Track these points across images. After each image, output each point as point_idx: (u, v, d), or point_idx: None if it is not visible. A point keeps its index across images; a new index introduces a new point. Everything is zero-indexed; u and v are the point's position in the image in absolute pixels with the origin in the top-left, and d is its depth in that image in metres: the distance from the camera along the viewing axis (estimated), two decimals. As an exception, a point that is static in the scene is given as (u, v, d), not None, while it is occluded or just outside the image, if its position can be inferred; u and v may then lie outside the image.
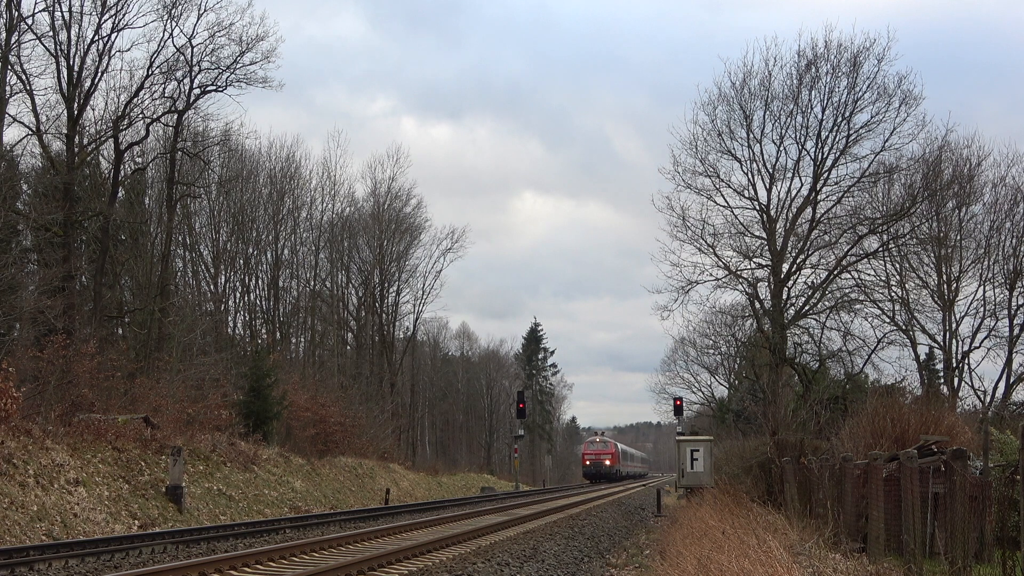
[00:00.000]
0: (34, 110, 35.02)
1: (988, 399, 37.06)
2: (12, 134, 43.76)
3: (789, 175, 36.32)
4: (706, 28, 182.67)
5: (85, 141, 37.50)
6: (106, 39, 35.79)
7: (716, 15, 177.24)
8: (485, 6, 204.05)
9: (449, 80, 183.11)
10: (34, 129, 35.21)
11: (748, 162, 36.24)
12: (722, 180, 36.34)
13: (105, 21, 35.50)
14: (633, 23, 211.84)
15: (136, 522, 22.14)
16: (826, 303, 36.39)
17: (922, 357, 39.65)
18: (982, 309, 37.78)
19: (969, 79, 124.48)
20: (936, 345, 38.96)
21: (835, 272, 35.95)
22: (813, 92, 35.47)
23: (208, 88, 39.07)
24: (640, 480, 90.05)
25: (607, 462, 76.51)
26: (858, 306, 36.49)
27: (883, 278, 37.72)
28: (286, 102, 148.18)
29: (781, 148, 36.13)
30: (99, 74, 36.09)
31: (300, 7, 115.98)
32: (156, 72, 37.54)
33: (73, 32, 35.02)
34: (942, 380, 39.43)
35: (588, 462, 77.58)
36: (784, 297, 36.19)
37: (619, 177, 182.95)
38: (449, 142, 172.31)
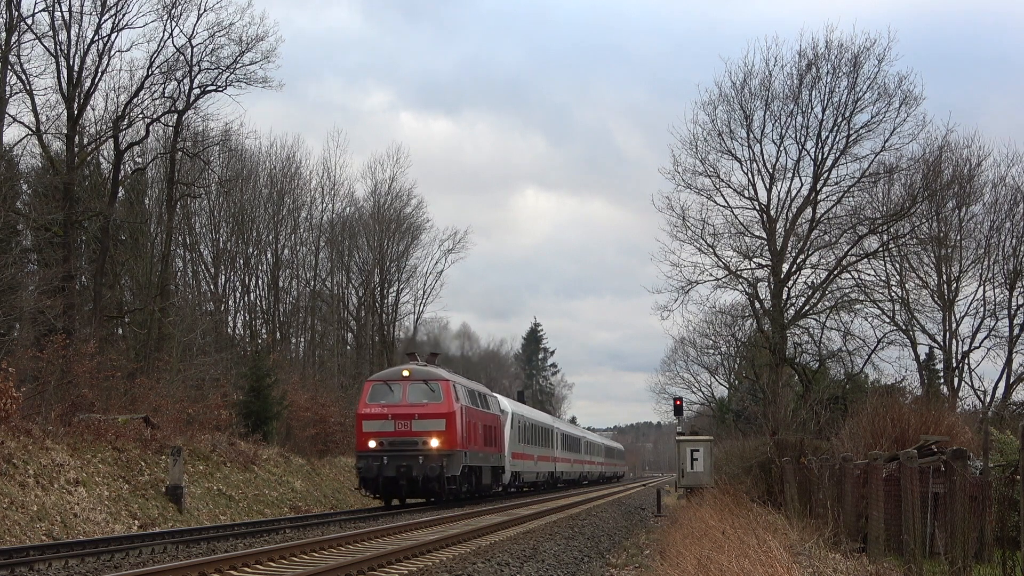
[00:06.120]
0: (34, 110, 35.07)
1: (988, 399, 37.14)
2: (12, 134, 43.79)
3: (789, 175, 36.47)
4: (708, 20, 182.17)
5: (85, 141, 37.51)
6: (106, 39, 35.82)
7: (719, 9, 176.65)
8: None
9: (447, 73, 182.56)
10: (34, 129, 35.24)
11: (748, 162, 36.36)
12: (722, 180, 36.47)
13: (105, 21, 35.52)
14: (634, 15, 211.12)
15: (136, 522, 22.14)
16: (826, 303, 36.49)
17: (922, 357, 39.75)
18: (982, 309, 37.90)
19: (977, 74, 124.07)
20: (936, 345, 39.03)
21: (835, 272, 36.03)
22: (813, 92, 35.63)
23: (208, 88, 39.06)
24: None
25: (433, 443, 28.19)
26: (858, 306, 36.60)
27: (883, 278, 37.83)
28: (282, 97, 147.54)
29: (781, 148, 36.26)
30: (99, 74, 36.11)
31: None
32: (156, 72, 37.54)
33: (73, 32, 35.05)
34: (942, 380, 39.46)
35: (372, 443, 28.51)
36: (784, 297, 36.25)
37: (622, 173, 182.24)
38: (449, 137, 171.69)
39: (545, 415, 55.70)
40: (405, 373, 29.62)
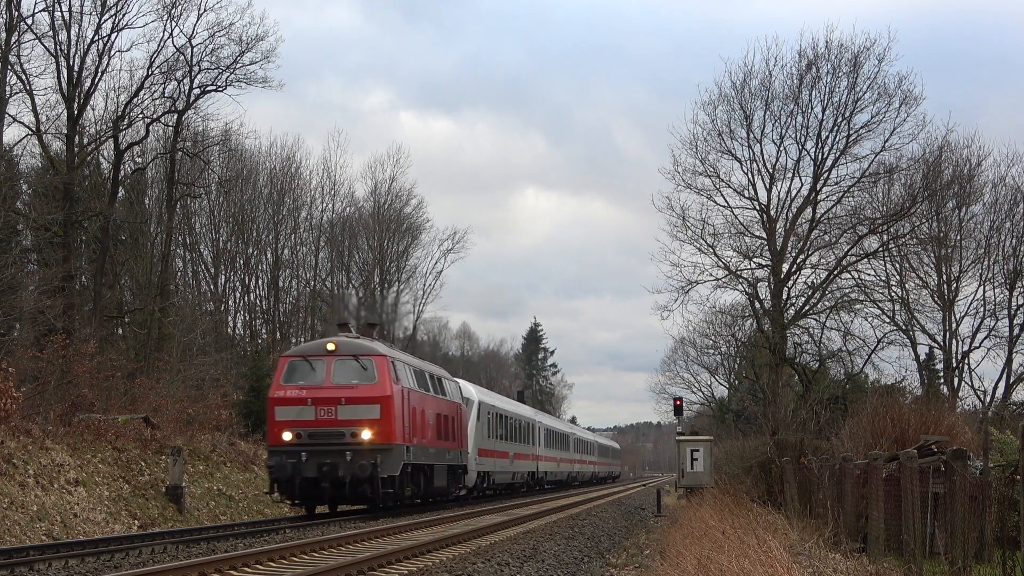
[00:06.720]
0: (34, 110, 35.14)
1: (988, 399, 37.19)
2: (12, 134, 43.73)
3: (789, 175, 36.51)
4: (708, 20, 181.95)
5: (85, 141, 37.55)
6: (106, 39, 35.88)
7: (719, 9, 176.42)
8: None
9: (447, 73, 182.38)
10: (34, 129, 35.30)
11: (748, 162, 36.39)
12: (722, 180, 36.50)
13: (105, 21, 35.59)
14: (634, 15, 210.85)
15: (136, 522, 22.15)
16: (826, 303, 36.52)
17: (922, 357, 39.79)
18: (982, 309, 37.97)
19: (977, 74, 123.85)
20: (936, 345, 39.06)
21: (835, 272, 36.06)
22: (813, 92, 35.66)
23: (208, 88, 39.09)
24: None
25: (364, 434, 22.01)
26: (858, 306, 36.64)
27: (883, 278, 37.86)
28: (282, 97, 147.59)
29: (781, 148, 36.29)
30: (99, 74, 36.17)
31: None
32: (156, 72, 37.59)
33: (73, 32, 35.11)
34: (942, 380, 39.49)
35: (287, 435, 22.09)
36: (784, 297, 36.28)
37: (622, 173, 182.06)
38: (449, 137, 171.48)
39: (526, 407, 49.09)
40: (330, 347, 23.14)
